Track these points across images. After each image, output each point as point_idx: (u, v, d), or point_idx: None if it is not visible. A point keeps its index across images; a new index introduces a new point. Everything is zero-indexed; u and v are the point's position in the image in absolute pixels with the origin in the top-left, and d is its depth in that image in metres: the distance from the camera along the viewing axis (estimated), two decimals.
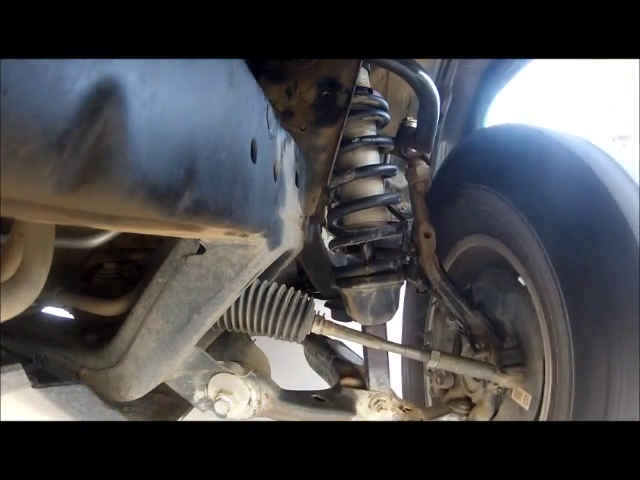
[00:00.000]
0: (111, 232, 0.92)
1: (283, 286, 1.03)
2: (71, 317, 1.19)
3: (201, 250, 0.76)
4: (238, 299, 0.97)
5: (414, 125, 1.10)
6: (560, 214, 0.84)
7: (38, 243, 0.56)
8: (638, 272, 0.73)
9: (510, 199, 0.95)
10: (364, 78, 1.12)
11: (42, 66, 0.23)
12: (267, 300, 0.99)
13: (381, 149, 1.15)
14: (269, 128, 0.61)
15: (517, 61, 1.66)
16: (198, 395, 0.94)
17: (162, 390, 0.89)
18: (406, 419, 1.09)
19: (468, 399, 1.16)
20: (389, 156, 1.49)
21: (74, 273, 1.18)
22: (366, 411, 1.08)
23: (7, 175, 0.23)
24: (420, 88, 1.01)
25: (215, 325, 0.98)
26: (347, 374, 1.16)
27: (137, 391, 0.85)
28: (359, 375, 1.15)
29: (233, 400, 0.95)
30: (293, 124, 0.97)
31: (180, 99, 0.35)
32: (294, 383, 1.20)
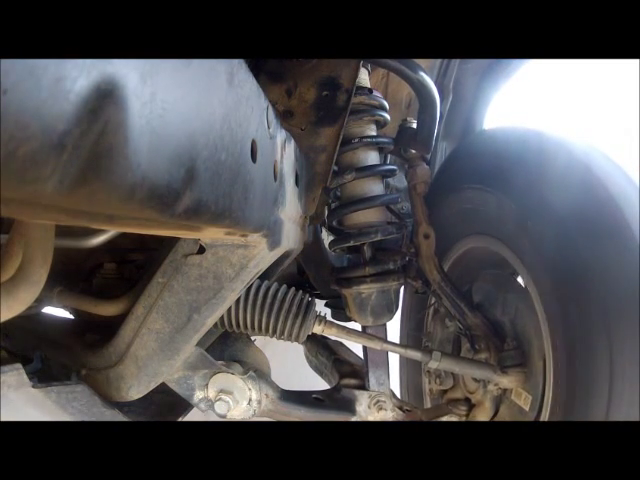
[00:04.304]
0: (111, 232, 0.91)
1: (284, 286, 1.03)
2: (71, 317, 1.19)
3: (201, 250, 0.76)
4: (239, 299, 0.97)
5: (414, 126, 1.10)
6: (560, 214, 0.84)
7: (38, 243, 0.56)
8: (638, 272, 0.73)
9: (510, 200, 0.95)
10: (364, 78, 1.12)
11: (42, 66, 0.23)
12: (268, 300, 0.99)
13: (381, 149, 1.15)
14: (269, 128, 0.61)
15: (517, 60, 1.66)
16: (198, 395, 0.94)
17: (162, 390, 0.89)
18: (406, 420, 1.09)
19: (468, 400, 1.16)
20: (389, 156, 1.50)
21: (74, 273, 1.18)
22: (366, 411, 1.08)
23: (7, 175, 0.23)
24: (420, 89, 1.01)
25: (215, 325, 0.98)
26: (347, 374, 1.16)
27: (137, 391, 0.85)
28: (359, 375, 1.15)
29: (233, 400, 0.95)
30: (293, 124, 0.97)
31: (180, 99, 0.35)
32: (294, 383, 1.20)
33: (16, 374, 0.63)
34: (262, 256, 0.72)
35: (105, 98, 0.27)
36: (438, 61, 1.64)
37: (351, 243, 1.09)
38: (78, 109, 0.25)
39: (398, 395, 1.18)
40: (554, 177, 0.88)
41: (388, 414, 1.09)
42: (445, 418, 1.13)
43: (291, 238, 0.83)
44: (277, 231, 0.70)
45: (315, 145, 0.97)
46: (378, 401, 1.09)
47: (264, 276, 0.98)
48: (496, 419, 1.08)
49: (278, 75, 1.00)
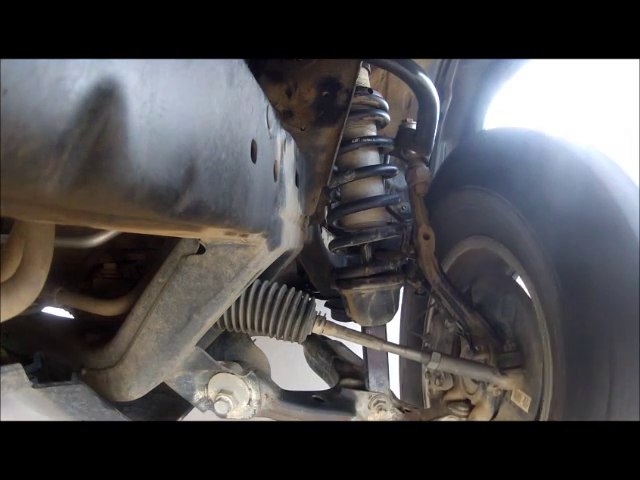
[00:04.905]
0: (111, 232, 0.92)
1: (284, 286, 1.03)
2: (71, 317, 1.19)
3: (201, 250, 0.76)
4: (239, 299, 0.97)
5: (414, 126, 1.10)
6: (560, 215, 0.84)
7: (38, 243, 0.56)
8: (638, 272, 0.73)
9: (510, 201, 0.95)
10: (364, 78, 1.12)
11: (42, 66, 0.23)
12: (268, 300, 0.99)
13: (381, 149, 1.15)
14: (269, 128, 0.61)
15: (517, 60, 1.66)
16: (198, 395, 0.94)
17: (162, 390, 0.89)
18: (406, 420, 1.09)
19: (467, 401, 1.15)
20: (389, 157, 1.49)
21: (74, 273, 1.18)
22: (366, 412, 1.08)
23: (7, 175, 0.23)
24: (420, 90, 1.01)
25: (215, 325, 0.98)
26: (347, 375, 1.16)
27: (137, 391, 0.85)
28: (359, 376, 1.15)
29: (233, 400, 0.95)
30: (293, 124, 0.97)
31: (180, 99, 0.35)
32: (294, 383, 1.20)
33: (16, 374, 0.63)
34: (262, 256, 0.72)
35: (105, 98, 0.27)
36: (438, 61, 1.64)
37: (351, 243, 1.09)
38: (78, 109, 0.25)
39: (398, 396, 1.18)
40: (554, 178, 0.88)
41: (388, 414, 1.09)
42: (445, 419, 1.13)
43: (291, 238, 0.83)
44: (277, 231, 0.70)
45: (315, 145, 0.97)
46: (378, 401, 1.09)
47: (264, 276, 0.98)
48: (495, 420, 1.08)
49: (278, 75, 1.00)
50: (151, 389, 0.86)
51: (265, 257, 0.73)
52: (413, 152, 1.12)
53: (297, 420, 1.03)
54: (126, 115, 0.28)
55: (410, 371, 1.53)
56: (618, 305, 0.74)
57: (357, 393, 1.09)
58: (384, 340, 1.09)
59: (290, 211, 0.79)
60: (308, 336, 1.05)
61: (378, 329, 1.11)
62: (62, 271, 1.10)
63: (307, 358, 1.44)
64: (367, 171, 1.09)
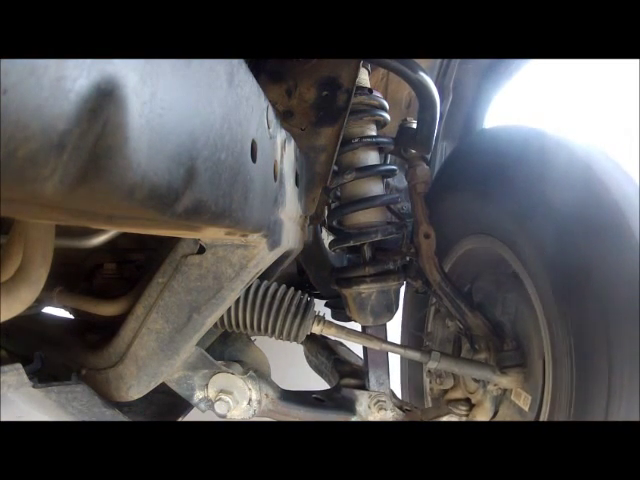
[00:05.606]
0: (111, 232, 0.92)
1: (283, 286, 1.03)
2: (71, 317, 1.19)
3: (201, 250, 0.76)
4: (238, 299, 0.97)
5: (414, 126, 1.10)
6: (560, 214, 0.84)
7: (38, 243, 0.56)
8: (638, 272, 0.73)
9: (510, 199, 0.95)
10: (364, 78, 1.12)
11: (42, 66, 0.23)
12: (267, 300, 0.99)
13: (381, 149, 1.15)
14: (269, 128, 0.61)
15: (517, 60, 1.66)
16: (198, 395, 0.94)
17: (162, 390, 0.89)
18: (406, 419, 1.09)
19: (468, 400, 1.16)
20: (389, 156, 1.50)
21: (74, 273, 1.18)
22: (366, 411, 1.08)
23: (7, 175, 0.23)
24: (420, 89, 1.01)
25: (215, 325, 0.98)
26: (347, 374, 1.16)
27: (137, 391, 0.85)
28: (359, 375, 1.15)
29: (233, 400, 0.95)
30: (293, 124, 0.97)
31: (180, 99, 0.35)
32: (294, 383, 1.20)
33: (16, 374, 0.63)
34: (262, 256, 0.72)
35: (105, 98, 0.27)
36: (438, 61, 1.64)
37: (351, 243, 1.09)
38: (78, 108, 0.25)
39: (399, 395, 1.18)
40: (555, 176, 0.88)
41: (388, 414, 1.09)
42: (445, 418, 1.13)
43: (291, 238, 0.83)
44: (277, 231, 0.70)
45: (315, 145, 0.97)
46: (378, 401, 1.09)
47: (264, 276, 0.98)
48: (496, 419, 1.08)
49: (278, 75, 1.00)
50: (151, 389, 0.86)
51: (265, 257, 0.73)
52: (413, 151, 1.12)
53: (297, 420, 1.03)
54: (126, 115, 0.28)
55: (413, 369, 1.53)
56: (618, 303, 0.74)
57: (357, 392, 1.09)
58: (384, 339, 1.09)
59: (290, 211, 0.79)
60: (308, 336, 1.05)
61: (378, 328, 1.11)
62: (62, 271, 1.09)
63: (307, 358, 1.44)
64: (367, 171, 1.09)
